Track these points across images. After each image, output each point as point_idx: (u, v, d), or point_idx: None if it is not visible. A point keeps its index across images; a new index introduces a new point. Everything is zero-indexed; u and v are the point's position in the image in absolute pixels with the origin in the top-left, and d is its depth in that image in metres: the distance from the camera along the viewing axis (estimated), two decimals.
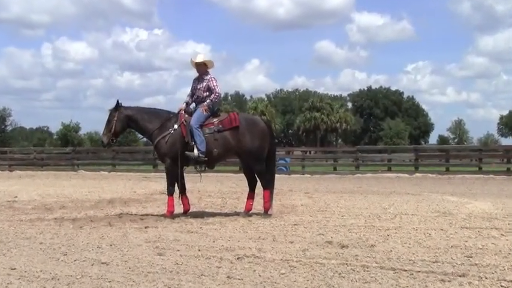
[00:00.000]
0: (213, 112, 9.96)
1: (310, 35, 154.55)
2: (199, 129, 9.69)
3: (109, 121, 10.09)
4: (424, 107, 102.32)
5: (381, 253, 6.47)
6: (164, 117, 10.02)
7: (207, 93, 9.97)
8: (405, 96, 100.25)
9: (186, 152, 9.65)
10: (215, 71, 10.29)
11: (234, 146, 9.85)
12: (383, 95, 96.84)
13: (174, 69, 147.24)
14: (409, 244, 7.02)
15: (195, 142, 9.65)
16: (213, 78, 10.03)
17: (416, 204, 11.76)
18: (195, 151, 9.64)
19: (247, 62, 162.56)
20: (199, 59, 10.11)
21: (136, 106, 10.37)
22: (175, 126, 9.80)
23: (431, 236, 7.68)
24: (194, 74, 10.20)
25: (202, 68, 10.14)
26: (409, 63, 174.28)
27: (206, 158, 9.73)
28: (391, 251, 6.59)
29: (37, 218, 9.79)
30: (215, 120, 9.88)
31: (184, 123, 9.79)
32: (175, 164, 9.74)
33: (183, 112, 9.96)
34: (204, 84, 10.01)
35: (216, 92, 9.95)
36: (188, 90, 10.32)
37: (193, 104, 10.19)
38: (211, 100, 9.94)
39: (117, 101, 10.08)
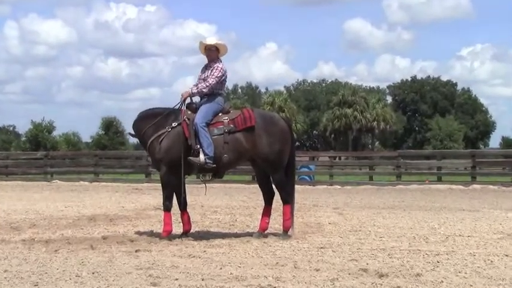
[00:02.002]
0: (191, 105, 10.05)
1: (340, 12, 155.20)
2: (206, 129, 9.70)
3: None
4: (482, 101, 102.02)
5: (429, 284, 6.45)
6: (160, 113, 10.06)
7: None
8: (459, 88, 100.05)
9: (190, 158, 9.65)
10: (223, 57, 10.30)
11: (249, 150, 9.87)
12: (431, 87, 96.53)
13: (171, 55, 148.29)
14: (465, 273, 7.00)
15: (200, 145, 9.65)
16: (219, 68, 10.05)
17: (474, 224, 11.73)
18: (201, 156, 9.63)
19: (262, 46, 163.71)
20: (210, 41, 10.18)
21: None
22: (174, 124, 9.83)
23: (493, 263, 7.65)
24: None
25: (213, 53, 10.19)
26: (463, 46, 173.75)
27: (214, 165, 9.76)
28: (442, 281, 6.57)
29: (1, 240, 9.82)
30: (225, 118, 9.89)
31: (187, 120, 9.81)
32: (173, 172, 9.77)
33: (184, 108, 9.99)
34: (210, 72, 10.05)
35: (207, 81, 9.94)
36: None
37: (198, 98, 10.21)
38: (198, 88, 9.98)
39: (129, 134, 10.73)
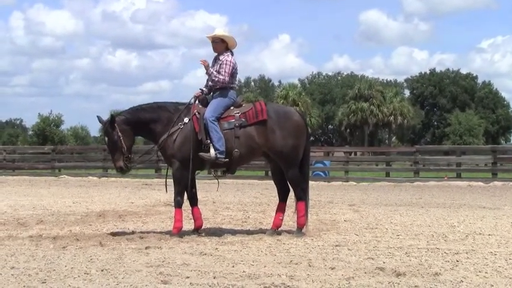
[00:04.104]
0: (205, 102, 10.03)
1: (355, 3, 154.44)
2: (216, 123, 9.74)
3: (113, 142, 9.93)
4: (504, 95, 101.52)
5: (448, 284, 6.44)
6: (172, 110, 10.09)
7: None
8: (479, 81, 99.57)
9: (201, 154, 9.70)
10: (234, 49, 10.32)
11: (261, 145, 9.89)
12: (450, 80, 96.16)
13: (181, 46, 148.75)
14: (485, 273, 6.98)
15: (211, 140, 9.69)
16: (228, 62, 10.06)
17: (495, 222, 11.69)
18: (212, 151, 9.68)
19: (275, 38, 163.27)
20: (215, 33, 10.20)
21: (130, 108, 10.42)
22: (186, 120, 9.88)
23: None
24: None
25: (219, 46, 10.21)
26: (484, 38, 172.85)
27: (227, 160, 9.78)
28: (462, 281, 6.56)
29: (8, 236, 9.89)
30: (236, 112, 9.92)
31: (197, 115, 9.85)
32: (186, 168, 9.80)
33: (196, 102, 10.02)
34: (218, 67, 10.07)
35: (219, 77, 9.95)
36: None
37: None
38: (207, 86, 10.06)
39: (112, 116, 10.01)
